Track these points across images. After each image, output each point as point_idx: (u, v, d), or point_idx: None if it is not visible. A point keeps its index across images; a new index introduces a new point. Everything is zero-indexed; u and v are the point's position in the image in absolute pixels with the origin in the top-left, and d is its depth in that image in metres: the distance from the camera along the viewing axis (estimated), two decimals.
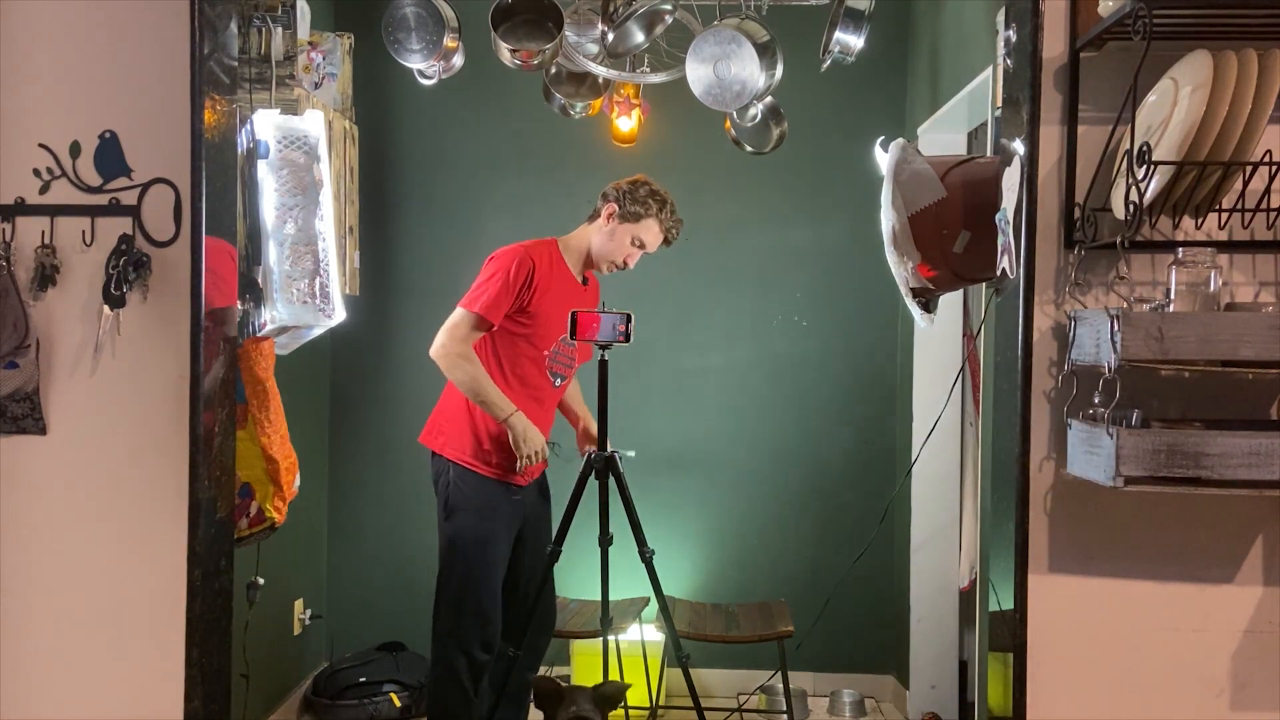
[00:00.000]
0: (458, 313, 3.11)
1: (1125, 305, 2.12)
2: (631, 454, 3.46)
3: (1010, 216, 2.13)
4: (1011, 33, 2.20)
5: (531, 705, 3.12)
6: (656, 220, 3.22)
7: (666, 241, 3.28)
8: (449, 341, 3.09)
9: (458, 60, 3.07)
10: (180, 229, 2.27)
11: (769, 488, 4.32)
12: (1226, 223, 2.10)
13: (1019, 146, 2.13)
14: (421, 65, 2.98)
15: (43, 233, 2.28)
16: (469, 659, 3.15)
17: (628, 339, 3.00)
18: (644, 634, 3.89)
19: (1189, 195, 2.01)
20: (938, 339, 3.89)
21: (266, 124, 2.72)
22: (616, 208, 3.20)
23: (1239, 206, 2.06)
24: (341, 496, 4.29)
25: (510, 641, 3.20)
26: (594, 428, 3.21)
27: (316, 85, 3.35)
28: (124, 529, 2.28)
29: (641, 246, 3.24)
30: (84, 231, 2.27)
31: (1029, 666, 2.14)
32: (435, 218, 4.32)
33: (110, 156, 2.28)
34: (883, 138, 2.53)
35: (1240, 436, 1.91)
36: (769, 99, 3.31)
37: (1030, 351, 2.12)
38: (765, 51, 2.82)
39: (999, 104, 2.50)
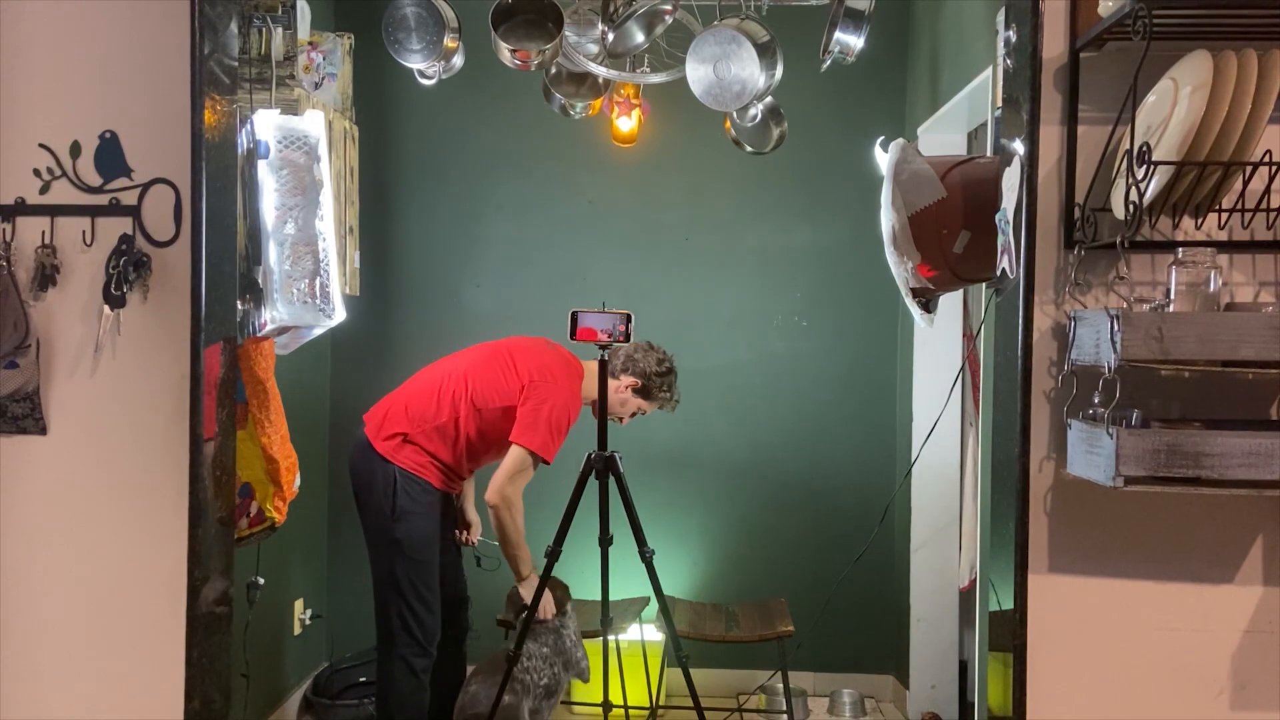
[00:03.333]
0: (521, 455, 3.11)
1: (1125, 305, 2.12)
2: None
3: (1010, 216, 2.13)
4: (1011, 33, 2.20)
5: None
6: (665, 403, 3.41)
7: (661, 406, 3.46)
8: (514, 493, 3.12)
9: (458, 60, 3.07)
10: (180, 229, 2.27)
11: (769, 487, 4.32)
12: (1226, 223, 2.10)
13: (1019, 146, 2.13)
14: (421, 65, 2.98)
15: (43, 233, 2.28)
16: (425, 655, 3.25)
17: (627, 338, 3.00)
18: (644, 634, 3.90)
19: (1189, 195, 2.01)
20: (938, 339, 3.89)
21: (266, 124, 2.72)
22: (639, 384, 3.33)
23: (1239, 206, 2.06)
24: (341, 496, 4.28)
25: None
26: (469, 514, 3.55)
27: (316, 85, 3.35)
28: (124, 529, 2.28)
29: (641, 414, 3.41)
30: (84, 231, 2.27)
31: (1029, 666, 2.14)
32: (435, 218, 4.32)
33: (110, 156, 2.28)
34: (883, 138, 2.53)
35: (1240, 436, 1.91)
36: (769, 99, 3.31)
37: (1030, 351, 2.12)
38: (765, 51, 2.82)
39: (999, 104, 2.50)
